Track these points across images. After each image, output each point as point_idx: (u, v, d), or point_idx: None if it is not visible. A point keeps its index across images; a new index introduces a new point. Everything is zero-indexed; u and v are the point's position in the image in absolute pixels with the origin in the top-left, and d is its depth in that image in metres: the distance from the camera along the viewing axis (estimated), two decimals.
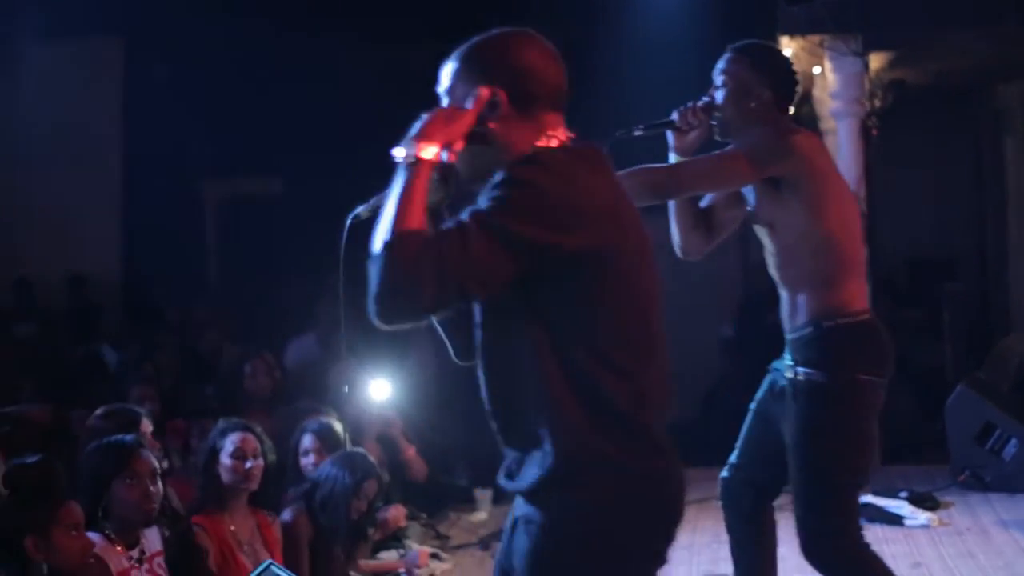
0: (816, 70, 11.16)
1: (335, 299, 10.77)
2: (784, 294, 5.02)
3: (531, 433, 3.08)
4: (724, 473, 5.33)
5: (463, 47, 3.27)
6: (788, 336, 5.00)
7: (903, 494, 8.27)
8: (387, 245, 2.95)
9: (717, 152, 4.93)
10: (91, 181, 12.59)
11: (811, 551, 4.91)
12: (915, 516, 7.95)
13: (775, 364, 5.13)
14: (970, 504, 8.32)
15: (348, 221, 3.41)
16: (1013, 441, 8.55)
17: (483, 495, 8.65)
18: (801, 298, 4.92)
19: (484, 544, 7.94)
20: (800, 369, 4.89)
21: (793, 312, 4.96)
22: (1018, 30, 9.88)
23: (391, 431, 8.15)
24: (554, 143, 3.17)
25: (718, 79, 5.05)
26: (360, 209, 3.39)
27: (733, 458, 5.30)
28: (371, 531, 7.02)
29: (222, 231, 13.64)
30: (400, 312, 3.00)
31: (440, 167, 3.13)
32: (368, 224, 3.20)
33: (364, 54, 12.50)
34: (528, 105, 3.17)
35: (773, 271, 5.06)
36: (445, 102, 3.26)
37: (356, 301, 10.04)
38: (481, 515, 8.57)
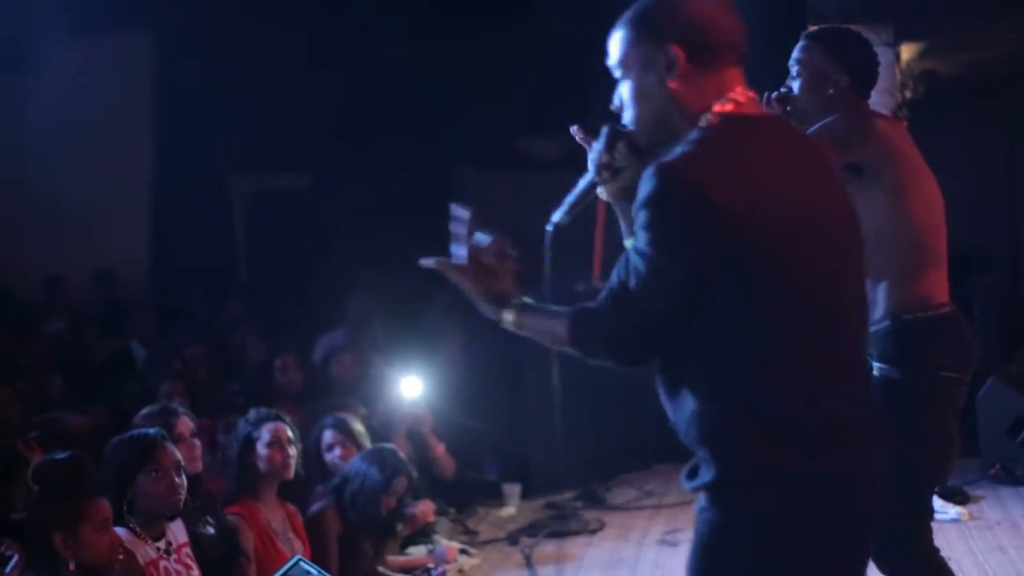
0: None
1: (365, 293, 10.82)
2: None
3: (699, 438, 3.03)
4: None
5: (630, 12, 3.18)
6: None
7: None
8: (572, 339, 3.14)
9: None
10: (120, 177, 12.60)
11: (884, 557, 4.63)
12: (945, 510, 7.90)
13: None
14: (1001, 498, 8.27)
15: (550, 230, 3.54)
16: None
17: (511, 490, 8.65)
18: (880, 290, 4.69)
19: (512, 539, 7.94)
20: (877, 365, 4.65)
21: (870, 305, 4.66)
22: None
23: (421, 428, 8.15)
24: (728, 107, 3.05)
25: (793, 68, 4.94)
26: (557, 218, 3.49)
27: None
28: (400, 526, 7.03)
29: (251, 226, 13.65)
30: (626, 364, 3.10)
31: (627, 136, 3.18)
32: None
33: (392, 50, 12.50)
34: (708, 59, 3.06)
35: None
36: (618, 74, 3.19)
37: (388, 297, 10.04)
38: (510, 510, 8.57)
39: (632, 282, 2.97)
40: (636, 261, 2.97)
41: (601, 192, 3.36)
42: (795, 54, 4.96)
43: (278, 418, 6.31)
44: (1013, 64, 13.94)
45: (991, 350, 12.84)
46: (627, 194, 3.20)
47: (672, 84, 3.06)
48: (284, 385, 8.44)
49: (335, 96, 12.44)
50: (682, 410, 3.05)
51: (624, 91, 3.17)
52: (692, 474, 3.08)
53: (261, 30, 12.17)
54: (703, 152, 2.96)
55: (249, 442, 6.21)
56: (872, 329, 4.65)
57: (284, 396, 8.22)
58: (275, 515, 6.21)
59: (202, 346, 9.31)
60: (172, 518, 5.29)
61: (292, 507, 6.36)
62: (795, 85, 4.93)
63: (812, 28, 5.05)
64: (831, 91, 4.85)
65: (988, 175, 16.98)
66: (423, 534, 7.35)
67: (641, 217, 2.95)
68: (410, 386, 8.04)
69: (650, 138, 3.16)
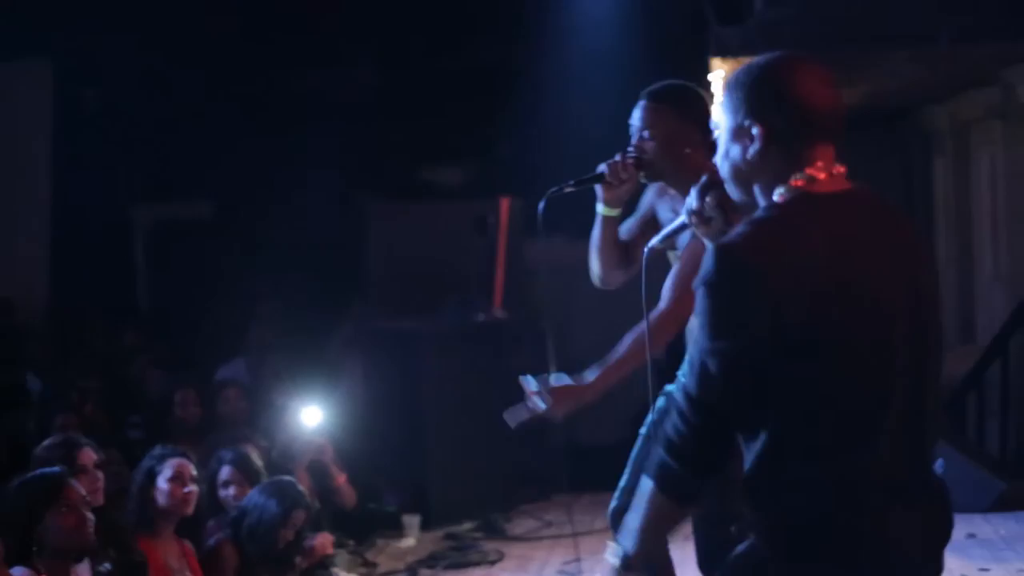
0: None
1: (265, 324, 10.74)
2: None
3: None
4: (613, 503, 5.27)
5: (734, 74, 3.20)
6: None
7: None
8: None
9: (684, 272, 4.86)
10: (18, 206, 12.45)
11: (712, 565, 4.86)
12: None
13: (668, 388, 5.06)
14: None
15: (646, 253, 3.70)
16: (939, 461, 8.55)
17: (411, 521, 8.61)
18: None
19: (411, 571, 7.90)
20: None
21: None
22: (948, 52, 9.94)
23: (323, 457, 8.09)
24: (801, 182, 3.04)
25: (644, 132, 4.96)
26: (654, 243, 3.67)
27: (623, 483, 5.26)
28: (298, 559, 6.97)
29: (151, 256, 13.52)
30: (716, 469, 3.11)
31: (718, 188, 3.31)
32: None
33: (295, 78, 12.45)
34: (792, 139, 3.07)
35: None
36: (715, 134, 3.21)
37: (287, 330, 9.97)
38: (409, 541, 8.53)
39: (694, 383, 3.02)
40: (694, 357, 3.02)
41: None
42: (642, 116, 5.00)
43: (183, 455, 6.27)
44: (911, 96, 14.13)
45: None
46: (714, 240, 3.29)
47: (752, 159, 3.08)
48: (184, 419, 8.36)
49: (237, 124, 12.37)
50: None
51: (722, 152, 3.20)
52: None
53: (162, 58, 12.09)
54: (762, 233, 2.99)
55: (151, 477, 6.15)
56: None
57: (183, 430, 8.14)
58: (172, 552, 6.16)
59: (97, 379, 9.19)
60: (80, 558, 5.22)
61: (188, 543, 6.29)
62: (648, 148, 4.96)
63: (654, 88, 5.05)
64: (688, 150, 4.90)
65: None
66: (321, 566, 7.28)
67: (697, 299, 3.00)
68: (310, 416, 7.98)
69: (737, 197, 3.21)
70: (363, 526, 8.43)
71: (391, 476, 9.12)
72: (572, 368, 5.10)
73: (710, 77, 10.90)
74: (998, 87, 12.00)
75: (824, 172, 3.07)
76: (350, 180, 12.54)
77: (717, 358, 2.95)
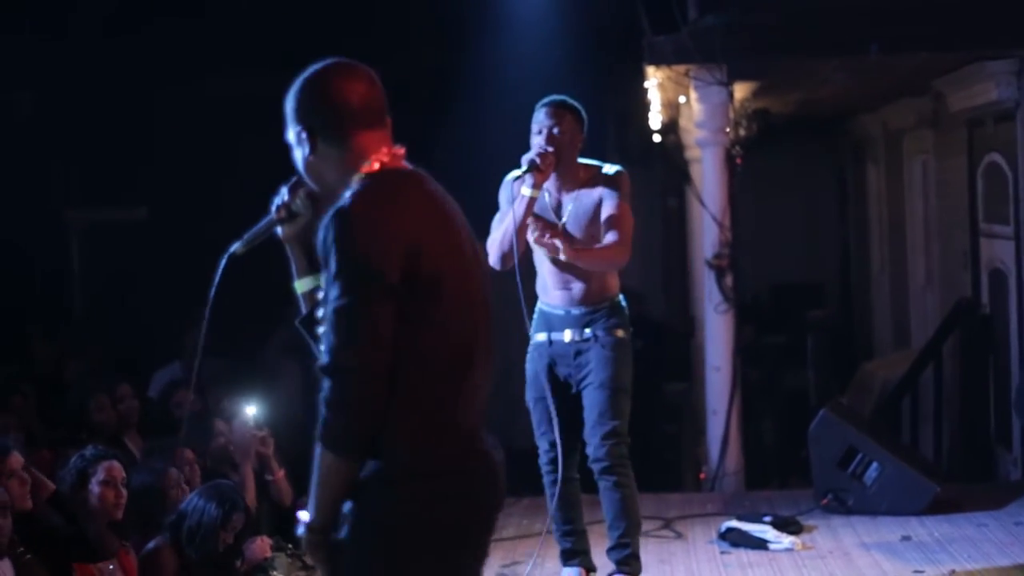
0: (682, 99, 11.29)
1: (199, 327, 10.68)
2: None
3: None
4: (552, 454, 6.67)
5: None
6: (579, 311, 6.61)
7: (767, 518, 8.35)
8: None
9: (619, 207, 6.53)
10: None
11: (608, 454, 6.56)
12: (779, 540, 8.02)
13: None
14: (833, 527, 8.42)
15: (224, 259, 3.81)
16: (874, 465, 8.66)
17: None
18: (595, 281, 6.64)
19: None
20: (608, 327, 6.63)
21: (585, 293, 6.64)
22: (879, 62, 10.06)
23: (264, 450, 8.06)
24: (375, 167, 3.49)
25: (555, 129, 6.46)
26: (234, 248, 3.79)
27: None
28: (237, 563, 6.97)
29: (86, 260, 13.45)
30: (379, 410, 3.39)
31: (307, 186, 3.68)
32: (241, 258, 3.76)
33: (230, 80, 12.43)
34: (339, 135, 3.54)
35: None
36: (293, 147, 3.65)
37: (224, 334, 9.97)
38: None
39: (339, 335, 3.31)
40: (336, 308, 3.31)
41: (278, 231, 3.77)
42: (553, 121, 6.49)
43: (115, 457, 6.24)
44: (843, 103, 14.29)
45: (823, 382, 13.12)
46: (299, 238, 3.74)
47: (312, 159, 3.56)
48: (102, 422, 8.31)
49: (172, 127, 12.34)
50: None
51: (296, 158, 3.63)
52: None
53: (95, 60, 12.03)
54: (370, 194, 3.40)
55: (83, 479, 6.12)
56: (589, 308, 6.62)
57: (101, 434, 8.10)
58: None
59: (31, 382, 9.14)
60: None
61: (123, 546, 6.25)
62: (558, 142, 6.46)
63: (553, 97, 6.56)
64: (577, 149, 6.57)
65: (822, 212, 17.37)
66: (260, 570, 7.28)
67: (331, 263, 3.32)
68: (249, 410, 7.96)
69: (318, 196, 3.64)
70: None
71: None
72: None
73: (645, 84, 10.99)
74: (929, 96, 12.17)
75: (387, 156, 3.54)
76: (284, 183, 12.51)
77: (361, 306, 3.28)
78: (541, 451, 6.76)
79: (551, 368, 6.72)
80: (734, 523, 8.23)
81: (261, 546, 7.26)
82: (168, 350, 10.73)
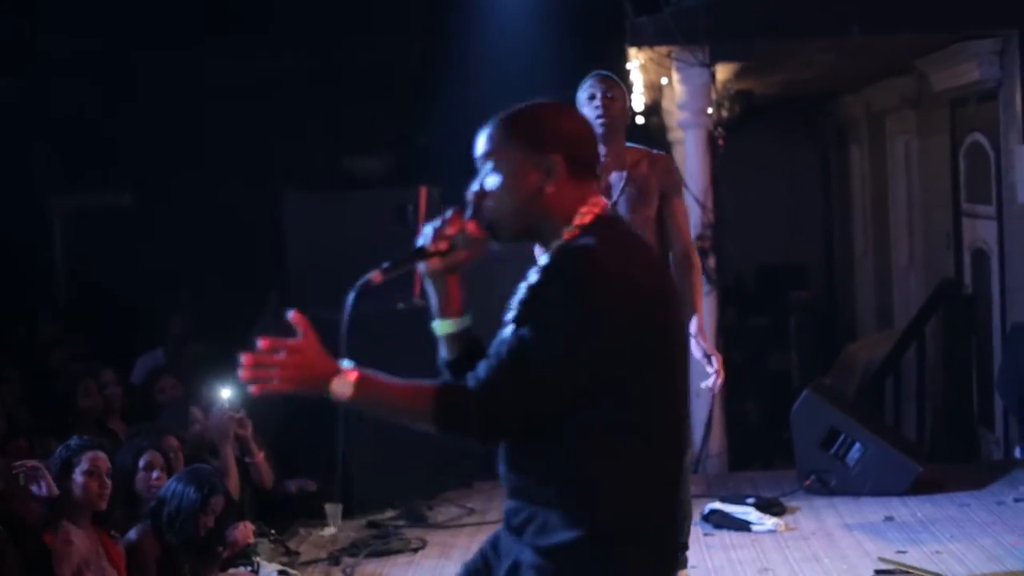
0: (664, 81, 11.28)
1: (185, 313, 10.68)
2: None
3: (562, 496, 3.26)
4: None
5: (511, 113, 3.35)
6: None
7: (750, 500, 8.37)
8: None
9: (683, 208, 6.42)
10: None
11: None
12: (762, 521, 8.04)
13: None
14: (815, 508, 8.44)
15: (355, 290, 3.40)
16: (857, 446, 8.68)
17: (333, 510, 8.59)
18: None
19: (334, 559, 7.89)
20: None
21: None
22: (862, 42, 10.05)
23: (243, 432, 8.06)
24: (596, 210, 3.29)
25: (609, 94, 6.16)
26: (371, 275, 3.38)
27: None
28: (220, 548, 6.97)
29: (70, 246, 13.42)
30: (492, 440, 3.29)
31: (476, 219, 3.33)
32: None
33: (216, 67, 12.40)
34: (581, 171, 3.30)
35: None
36: (485, 165, 3.34)
37: (207, 320, 9.90)
38: (331, 530, 8.51)
39: (526, 360, 3.08)
40: (533, 336, 3.08)
41: (421, 265, 3.40)
42: (606, 86, 6.16)
43: (100, 447, 6.20)
44: (826, 84, 14.29)
45: (806, 363, 13.14)
46: (445, 274, 3.38)
47: (549, 189, 3.26)
48: (89, 408, 8.31)
49: (156, 113, 12.31)
50: (538, 470, 3.21)
51: (491, 181, 3.30)
52: (540, 531, 3.21)
53: (77, 46, 12.00)
54: (608, 243, 3.19)
55: (67, 468, 6.10)
56: None
57: (89, 420, 8.09)
58: (87, 543, 6.09)
59: (16, 370, 9.13)
60: None
61: (108, 534, 6.25)
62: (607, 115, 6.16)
63: (601, 71, 6.23)
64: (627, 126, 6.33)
65: (805, 194, 17.37)
66: (243, 556, 7.28)
67: (554, 293, 3.11)
68: (226, 393, 7.95)
69: (507, 229, 3.32)
70: (285, 515, 8.42)
71: (313, 465, 9.10)
72: None
73: (627, 66, 10.97)
74: (912, 76, 12.17)
75: (599, 207, 3.31)
76: (270, 169, 12.50)
77: (571, 340, 3.07)
78: None
79: None
80: (717, 505, 8.25)
81: (244, 531, 7.26)
82: (151, 337, 10.72)
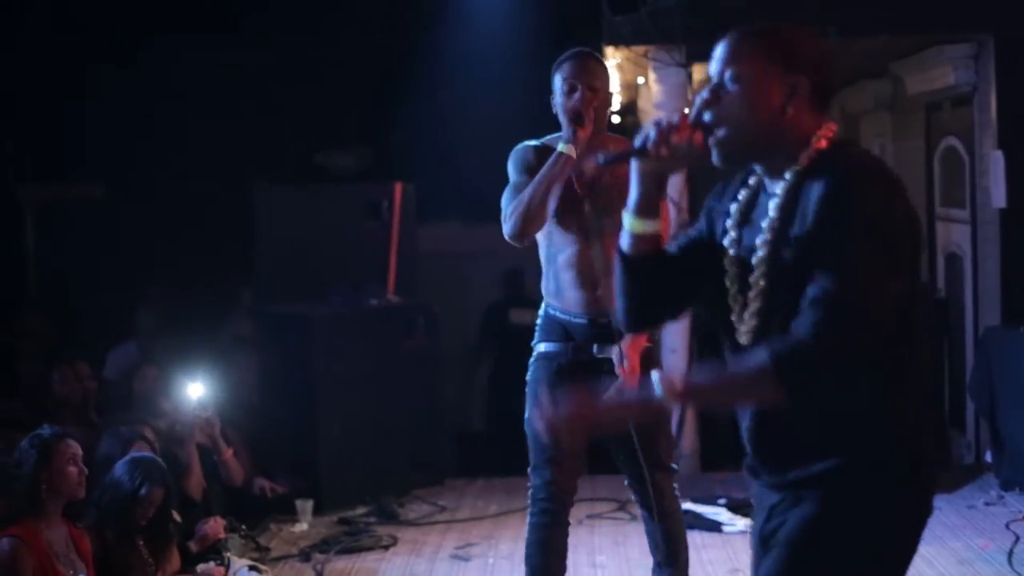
0: (640, 80, 11.27)
1: (154, 306, 10.63)
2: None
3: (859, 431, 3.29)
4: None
5: (758, 31, 3.29)
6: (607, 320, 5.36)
7: (721, 501, 8.38)
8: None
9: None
10: None
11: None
12: (733, 522, 8.05)
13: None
14: None
15: (600, 161, 3.49)
16: None
17: (304, 506, 8.59)
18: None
19: (305, 555, 7.88)
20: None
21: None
22: (836, 44, 10.05)
23: (211, 431, 8.04)
24: (830, 133, 3.26)
25: (595, 84, 5.55)
26: (602, 160, 3.46)
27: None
28: (190, 544, 6.96)
29: (41, 238, 13.34)
30: (844, 379, 3.12)
31: (707, 131, 3.27)
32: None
33: (189, 57, 12.35)
34: (823, 97, 3.28)
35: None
36: (724, 79, 3.27)
37: (178, 313, 9.89)
38: (302, 526, 8.50)
39: (852, 294, 3.03)
40: (852, 272, 3.03)
41: (636, 161, 3.34)
42: (590, 77, 5.55)
43: (71, 436, 6.17)
44: None
45: None
46: (656, 175, 3.34)
47: (791, 110, 3.21)
48: (63, 397, 8.27)
49: (128, 103, 12.25)
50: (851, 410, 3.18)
51: (731, 99, 3.24)
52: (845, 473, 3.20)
53: (48, 34, 11.94)
54: (878, 164, 3.23)
55: (46, 456, 6.02)
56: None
57: (65, 409, 8.05)
58: (57, 535, 6.04)
59: None
60: None
61: (76, 526, 6.20)
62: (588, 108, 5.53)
63: (581, 49, 5.63)
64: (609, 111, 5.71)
65: None
66: (214, 551, 7.25)
67: (843, 228, 3.04)
68: (194, 390, 7.92)
69: (738, 145, 3.25)
70: (256, 510, 8.40)
71: (284, 460, 9.09)
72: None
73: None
74: (887, 80, 12.18)
75: (832, 133, 3.27)
76: (243, 163, 12.45)
77: (896, 286, 3.08)
78: (538, 484, 5.58)
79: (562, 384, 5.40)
80: (689, 505, 8.24)
81: (214, 527, 7.26)
82: (121, 331, 10.67)
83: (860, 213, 3.04)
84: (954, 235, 10.84)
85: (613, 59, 10.70)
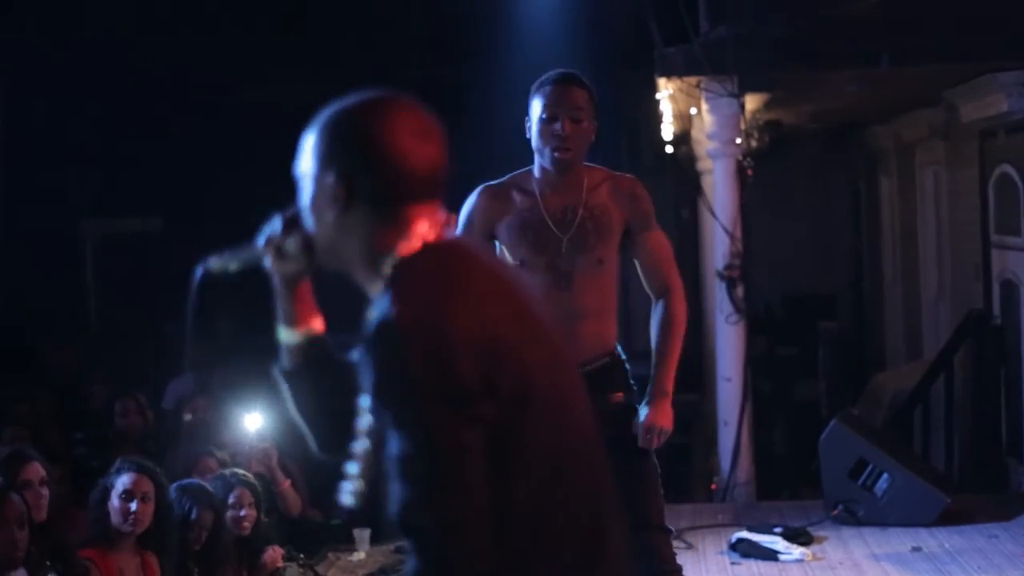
0: (693, 111, 11.31)
1: (198, 341, 10.76)
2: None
3: None
4: None
5: (324, 115, 2.71)
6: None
7: (777, 529, 8.37)
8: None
9: (660, 239, 5.35)
10: None
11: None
12: (789, 551, 8.04)
13: None
14: (843, 538, 8.42)
15: (199, 273, 2.96)
16: (885, 476, 8.67)
17: (361, 535, 8.62)
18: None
19: None
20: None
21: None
22: (891, 73, 10.07)
23: (268, 462, 8.11)
24: (416, 245, 2.60)
25: (578, 115, 5.17)
26: (212, 265, 2.96)
27: None
28: (245, 573, 7.02)
29: (101, 270, 13.50)
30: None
31: (303, 233, 2.75)
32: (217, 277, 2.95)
33: (245, 90, 12.49)
34: (387, 205, 2.61)
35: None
36: (303, 184, 2.73)
37: (237, 344, 9.97)
38: (360, 555, 8.55)
39: (416, 485, 2.51)
40: (405, 451, 2.50)
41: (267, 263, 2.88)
42: (574, 105, 5.15)
43: (141, 469, 6.15)
44: (855, 115, 14.31)
45: (834, 393, 13.12)
46: (289, 278, 2.86)
47: (336, 223, 2.64)
48: (125, 429, 8.36)
49: (187, 137, 12.39)
50: None
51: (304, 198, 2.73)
52: None
53: (111, 71, 12.09)
54: (421, 289, 2.52)
55: (106, 490, 6.10)
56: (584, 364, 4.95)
57: (127, 441, 8.14)
58: (129, 564, 6.10)
59: (47, 393, 9.19)
60: (12, 569, 5.20)
61: (150, 555, 6.24)
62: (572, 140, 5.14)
63: (563, 71, 5.29)
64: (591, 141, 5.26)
65: (834, 223, 17.37)
66: None
67: (385, 392, 2.48)
68: (252, 421, 7.99)
69: (323, 254, 2.76)
70: (313, 540, 8.45)
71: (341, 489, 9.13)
72: None
73: (657, 96, 11.02)
74: (941, 107, 12.17)
75: (431, 229, 2.61)
76: (280, 210, 12.55)
77: (439, 443, 2.45)
78: None
79: None
80: (745, 534, 8.24)
81: (273, 556, 7.30)
82: (181, 361, 10.77)
83: (388, 380, 2.47)
84: (1009, 262, 10.81)
85: (666, 89, 10.76)
